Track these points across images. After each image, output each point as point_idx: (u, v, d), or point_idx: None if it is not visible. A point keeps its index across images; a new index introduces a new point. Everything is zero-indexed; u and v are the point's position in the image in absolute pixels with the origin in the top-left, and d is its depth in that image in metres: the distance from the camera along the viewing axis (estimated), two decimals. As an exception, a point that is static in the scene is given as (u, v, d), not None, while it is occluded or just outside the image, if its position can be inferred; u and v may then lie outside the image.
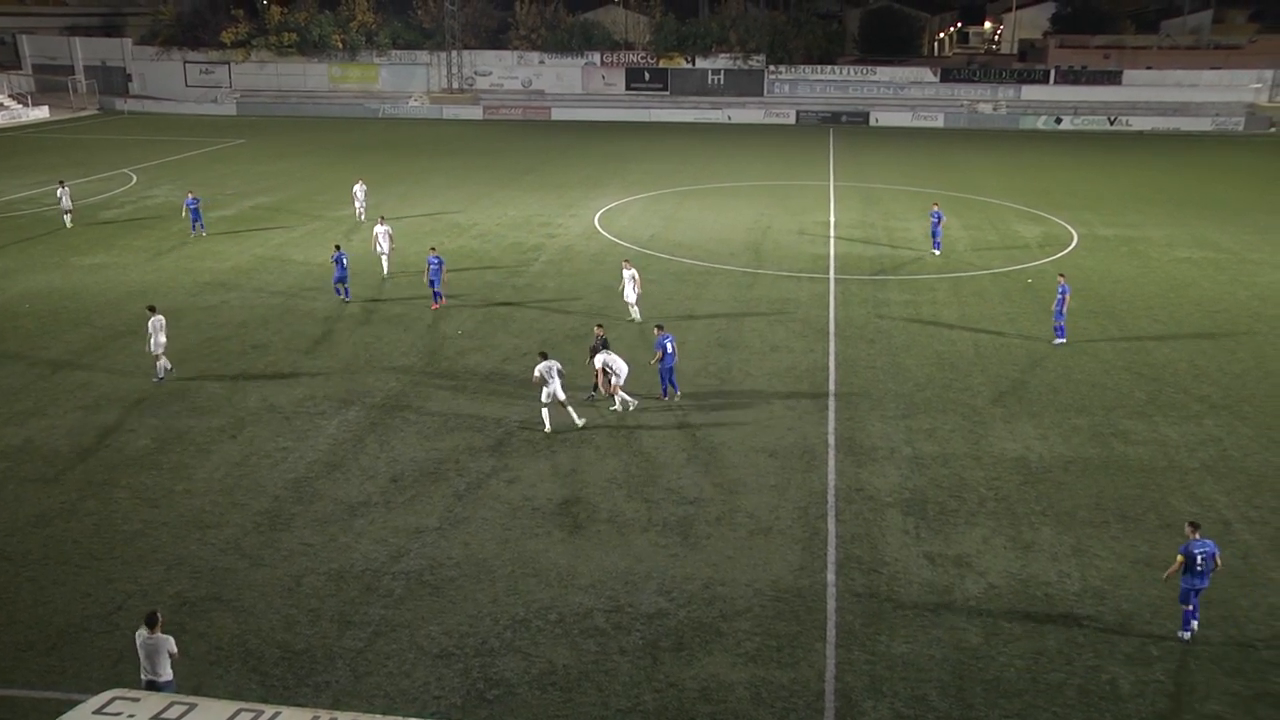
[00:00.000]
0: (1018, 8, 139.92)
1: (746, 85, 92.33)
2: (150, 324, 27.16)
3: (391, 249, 37.03)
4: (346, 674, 15.93)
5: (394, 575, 18.51)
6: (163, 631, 14.15)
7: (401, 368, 28.48)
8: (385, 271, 36.98)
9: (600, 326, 26.95)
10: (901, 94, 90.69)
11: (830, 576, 18.46)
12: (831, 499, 21.24)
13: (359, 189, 47.19)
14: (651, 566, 18.73)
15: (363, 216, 46.70)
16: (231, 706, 10.80)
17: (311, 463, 22.91)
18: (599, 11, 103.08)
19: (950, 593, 17.96)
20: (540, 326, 31.90)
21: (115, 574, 18.71)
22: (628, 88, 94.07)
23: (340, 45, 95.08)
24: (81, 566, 18.99)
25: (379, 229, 36.89)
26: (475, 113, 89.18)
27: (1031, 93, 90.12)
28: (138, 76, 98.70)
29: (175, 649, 14.27)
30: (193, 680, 15.44)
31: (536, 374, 24.18)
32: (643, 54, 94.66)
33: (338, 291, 34.50)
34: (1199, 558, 16.28)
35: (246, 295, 35.16)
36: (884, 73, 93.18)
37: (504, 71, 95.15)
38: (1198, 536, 16.54)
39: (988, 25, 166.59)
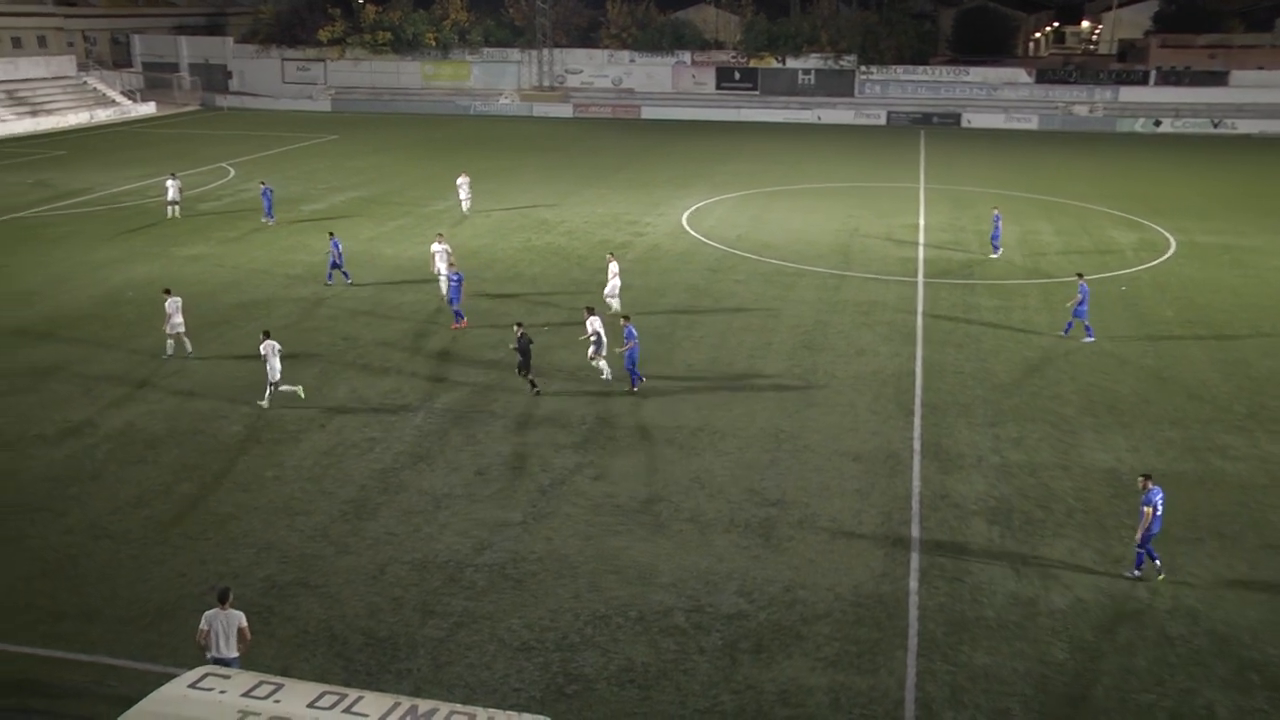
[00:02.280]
0: (1118, 6, 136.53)
1: (837, 85, 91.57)
2: (167, 305, 28.77)
3: (451, 266, 33.98)
4: (427, 663, 16.23)
5: (477, 567, 18.79)
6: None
7: (488, 362, 28.84)
8: (444, 292, 33.35)
9: (520, 324, 26.84)
10: (994, 95, 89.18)
11: (912, 584, 18.30)
12: (915, 505, 21.05)
13: (463, 182, 47.91)
14: (732, 567, 18.76)
15: (466, 209, 47.65)
16: (317, 688, 11.08)
17: (398, 454, 23.35)
18: (690, 10, 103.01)
19: (1035, 605, 17.69)
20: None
21: (208, 555, 19.31)
22: (718, 87, 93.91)
23: (433, 43, 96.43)
24: (177, 547, 19.62)
25: (436, 247, 35.02)
26: (565, 111, 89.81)
27: (1130, 94, 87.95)
28: (237, 74, 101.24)
29: (245, 624, 14.53)
30: (280, 661, 15.88)
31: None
32: (733, 53, 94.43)
33: (344, 276, 36.17)
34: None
35: (338, 288, 35.90)
36: (977, 73, 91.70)
37: (594, 70, 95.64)
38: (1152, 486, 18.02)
39: (1085, 25, 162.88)
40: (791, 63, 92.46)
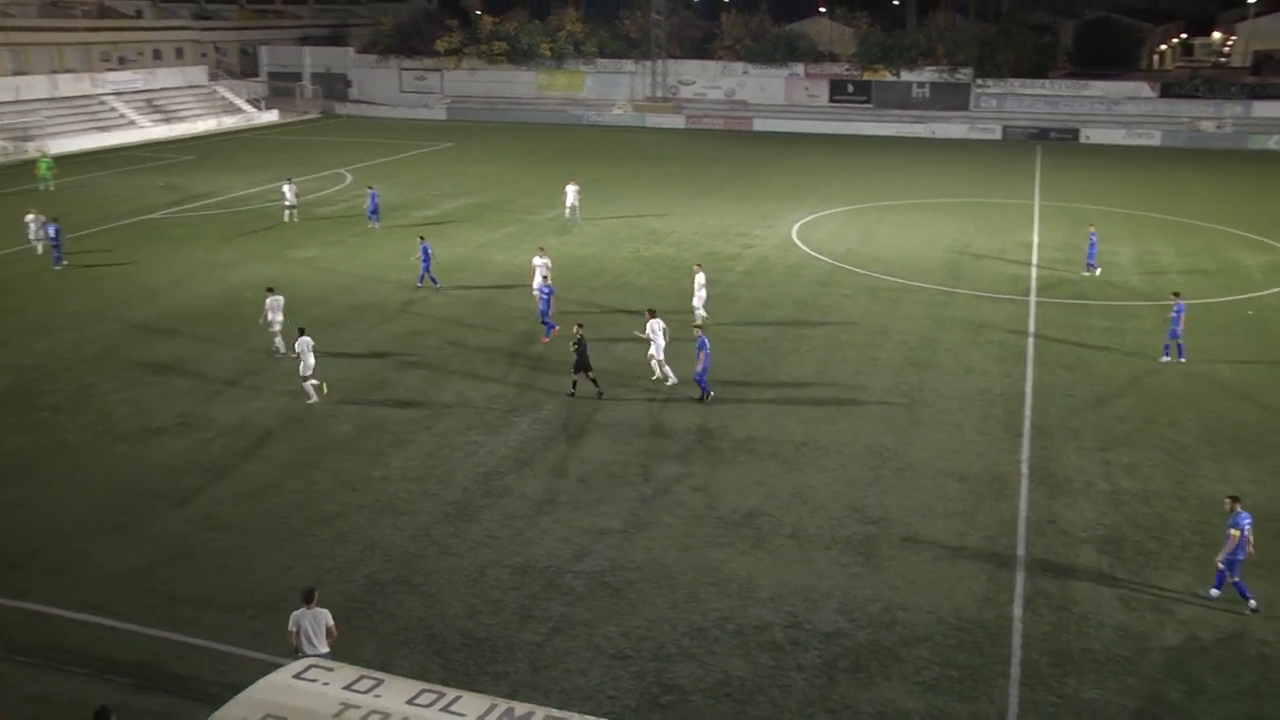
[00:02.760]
0: (1255, 16, 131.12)
1: (951, 99, 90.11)
2: (268, 303, 29.94)
3: (544, 280, 33.44)
4: (524, 666, 16.41)
5: (576, 574, 18.94)
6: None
7: (595, 370, 29.00)
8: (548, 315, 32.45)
9: (580, 325, 27.46)
10: (1115, 110, 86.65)
11: (1017, 610, 17.89)
12: (1021, 530, 20.58)
13: (571, 190, 48.43)
14: (832, 585, 18.58)
15: (573, 216, 48.25)
16: (415, 686, 11.25)
17: (502, 458, 23.67)
18: (804, 22, 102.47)
19: (1147, 640, 17.12)
20: (731, 336, 32.00)
21: (315, 550, 19.84)
22: (830, 100, 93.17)
23: (548, 53, 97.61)
24: (285, 541, 20.21)
25: (537, 260, 34.34)
26: (677, 121, 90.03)
27: (1265, 109, 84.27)
28: (357, 83, 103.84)
29: (332, 621, 14.89)
30: (380, 657, 16.21)
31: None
32: (846, 66, 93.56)
33: (432, 281, 36.91)
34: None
35: (447, 293, 36.57)
36: (1098, 87, 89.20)
37: (707, 81, 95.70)
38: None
39: (1216, 36, 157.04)
40: (906, 75, 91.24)
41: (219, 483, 22.61)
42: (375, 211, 47.47)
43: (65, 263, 40.25)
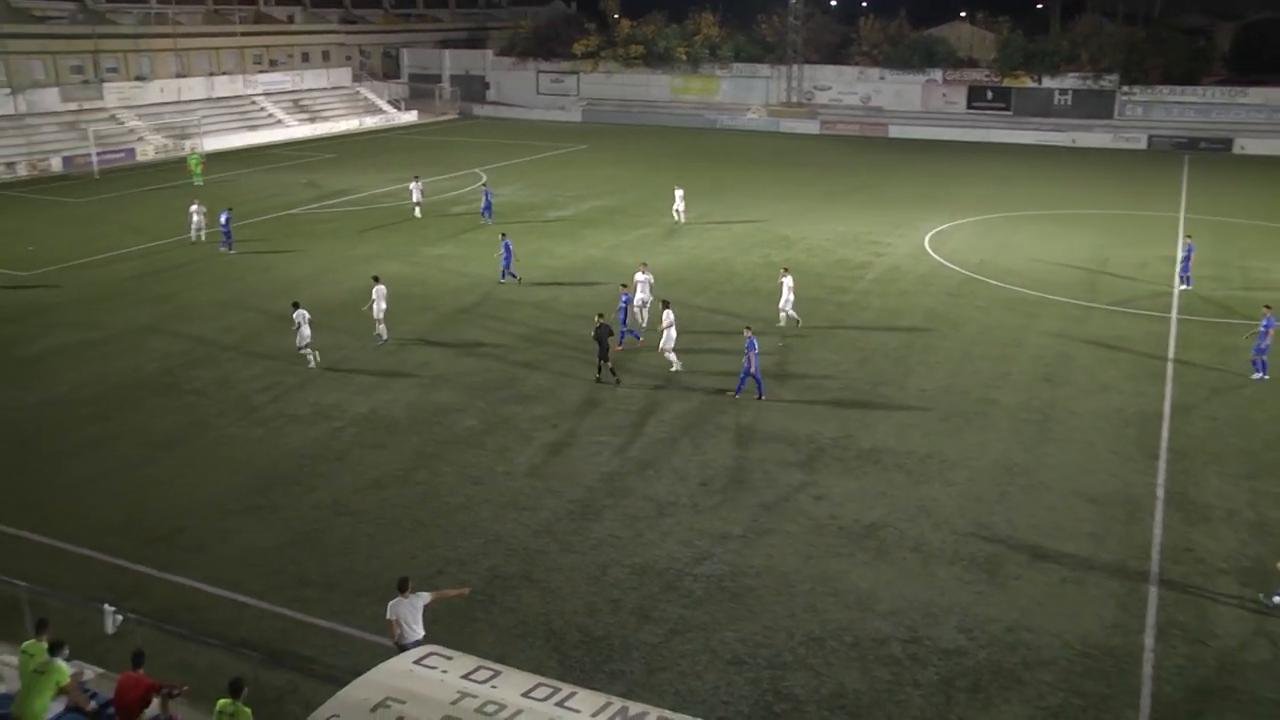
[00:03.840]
0: None
1: (1095, 106, 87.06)
2: (374, 292, 31.22)
3: (650, 300, 32.83)
4: (640, 666, 16.47)
5: (695, 577, 18.94)
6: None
7: (721, 374, 29.01)
8: (644, 322, 32.71)
9: (600, 315, 28.97)
10: (1276, 118, 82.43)
11: (1148, 640, 17.22)
12: (1155, 556, 19.79)
13: (678, 194, 48.63)
14: (954, 601, 18.18)
15: (682, 219, 48.35)
16: (532, 679, 11.37)
17: (625, 459, 23.82)
18: (944, 27, 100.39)
19: (1292, 678, 16.28)
20: (860, 344, 31.62)
21: (437, 541, 20.28)
22: (968, 106, 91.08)
23: (684, 57, 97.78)
24: (409, 530, 20.72)
25: (640, 276, 33.16)
26: (812, 127, 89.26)
27: None
28: (494, 84, 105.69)
29: (430, 598, 15.51)
30: (498, 649, 16.46)
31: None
32: (986, 71, 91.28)
33: (513, 276, 37.66)
34: None
35: (577, 293, 36.95)
36: (1256, 94, 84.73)
37: (843, 86, 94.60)
38: None
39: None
40: (1047, 82, 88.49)
41: (348, 471, 23.30)
42: (489, 208, 48.88)
43: (233, 250, 42.89)
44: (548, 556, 19.71)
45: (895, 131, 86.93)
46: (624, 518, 21.13)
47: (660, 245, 44.52)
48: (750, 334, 27.23)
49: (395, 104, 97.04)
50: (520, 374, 29.19)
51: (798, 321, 33.09)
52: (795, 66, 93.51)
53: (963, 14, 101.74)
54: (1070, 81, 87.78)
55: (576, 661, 16.56)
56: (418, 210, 50.07)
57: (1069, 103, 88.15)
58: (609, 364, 28.44)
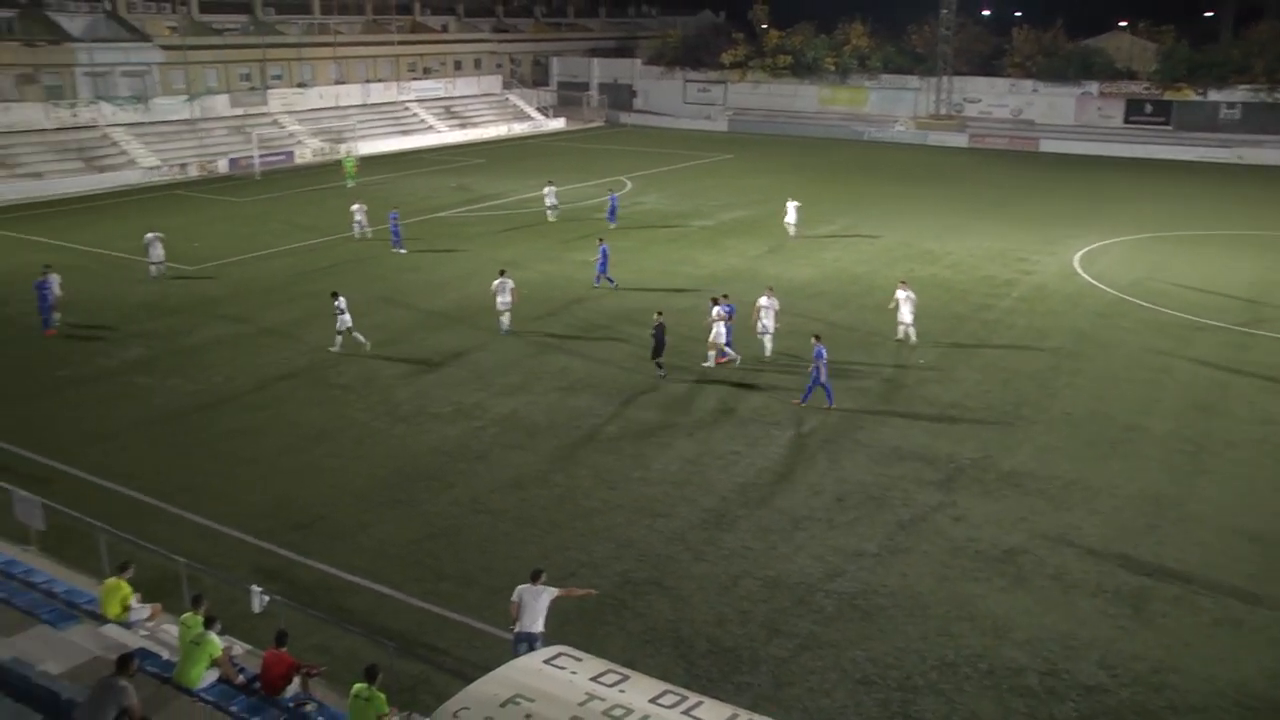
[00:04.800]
0: None
1: (1267, 121, 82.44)
2: (494, 285, 32.91)
3: (777, 328, 31.28)
4: (768, 680, 16.35)
5: (827, 593, 18.72)
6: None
7: (859, 389, 28.66)
8: (767, 352, 31.13)
9: (660, 313, 29.71)
10: None
11: (1312, 688, 16.28)
12: (1322, 599, 18.72)
13: (791, 206, 48.18)
14: (1095, 635, 17.52)
15: (792, 232, 47.90)
16: (659, 685, 11.37)
17: (761, 470, 23.70)
18: (1102, 37, 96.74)
19: None
20: (1003, 364, 30.80)
21: (571, 543, 20.51)
22: (1125, 120, 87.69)
23: (832, 68, 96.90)
24: (544, 531, 21.02)
25: (764, 301, 31.22)
26: (960, 140, 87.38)
27: None
28: (642, 93, 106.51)
29: (558, 593, 15.72)
30: (626, 654, 16.51)
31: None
32: (1145, 84, 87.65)
33: (609, 281, 38.30)
34: None
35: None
36: None
37: (994, 99, 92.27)
38: None
39: None
40: (1214, 95, 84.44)
41: (487, 470, 23.77)
42: (613, 213, 49.76)
43: (404, 250, 44.54)
44: (679, 564, 19.74)
45: (1047, 146, 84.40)
46: (757, 529, 21.02)
47: (802, 257, 44.19)
48: (819, 343, 27.11)
49: (543, 111, 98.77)
50: (659, 381, 29.31)
51: (913, 341, 32.10)
52: (945, 78, 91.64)
53: (1123, 24, 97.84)
54: (1240, 94, 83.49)
55: (704, 671, 16.53)
56: (550, 214, 51.03)
57: (1237, 117, 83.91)
58: (661, 359, 29.24)
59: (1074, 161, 77.43)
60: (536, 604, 15.51)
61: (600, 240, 39.93)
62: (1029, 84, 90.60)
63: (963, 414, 27.03)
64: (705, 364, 30.20)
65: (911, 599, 18.53)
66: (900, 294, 32.38)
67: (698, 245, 46.45)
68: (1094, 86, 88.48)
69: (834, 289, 39.01)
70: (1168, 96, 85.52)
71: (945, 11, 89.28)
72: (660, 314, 29.84)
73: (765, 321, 30.87)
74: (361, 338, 31.52)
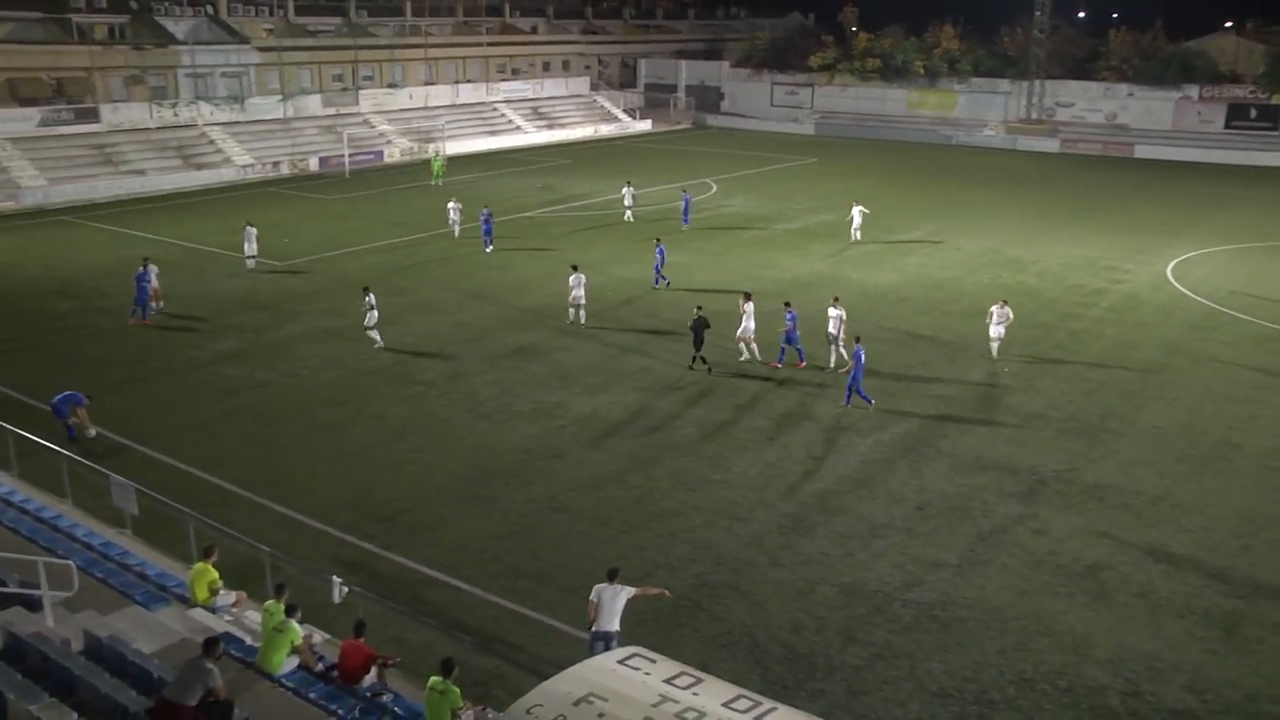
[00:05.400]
0: None
1: (1381, 130, 79.36)
2: (571, 280, 34.02)
3: (843, 337, 30.26)
4: (842, 688, 16.22)
5: (904, 602, 18.51)
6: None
7: (942, 397, 28.30)
8: (831, 362, 30.40)
9: (699, 308, 30.52)
10: None
11: None
12: None
13: (857, 210, 47.71)
14: (1182, 657, 17.04)
15: (858, 236, 47.49)
16: (733, 690, 11.33)
17: (840, 476, 23.52)
18: (1205, 39, 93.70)
19: None
20: (1089, 375, 30.15)
21: (648, 544, 20.55)
22: (1226, 126, 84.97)
23: (922, 71, 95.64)
24: (621, 531, 21.09)
25: (833, 311, 30.47)
26: (1051, 145, 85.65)
27: None
28: (729, 95, 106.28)
29: (634, 593, 15.80)
30: (700, 657, 16.50)
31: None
32: (1250, 88, 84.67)
33: (663, 279, 38.99)
34: None
35: (801, 307, 36.53)
36: None
37: (1087, 103, 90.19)
38: None
39: None
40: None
41: (566, 469, 23.94)
42: (686, 214, 50.05)
43: (491, 248, 45.16)
44: (756, 569, 19.68)
45: (1141, 151, 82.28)
46: (835, 536, 20.87)
47: (887, 261, 43.74)
48: (859, 344, 27.32)
49: (630, 113, 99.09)
50: (739, 384, 29.27)
51: (996, 358, 31.07)
52: (1037, 81, 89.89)
53: (1228, 24, 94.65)
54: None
55: (778, 676, 16.46)
56: (628, 214, 51.48)
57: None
58: (701, 354, 29.95)
59: (1170, 168, 75.42)
60: (614, 604, 15.60)
61: (657, 240, 40.25)
62: (1124, 88, 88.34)
63: (1046, 425, 26.53)
64: (742, 358, 30.65)
65: (990, 612, 18.24)
66: (995, 310, 31.25)
67: (782, 249, 46.24)
68: (1194, 90, 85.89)
69: (917, 295, 38.55)
70: (1276, 100, 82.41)
71: (1039, 14, 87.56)
72: (700, 308, 30.45)
73: (833, 330, 30.34)
74: (377, 336, 32.05)
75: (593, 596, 15.71)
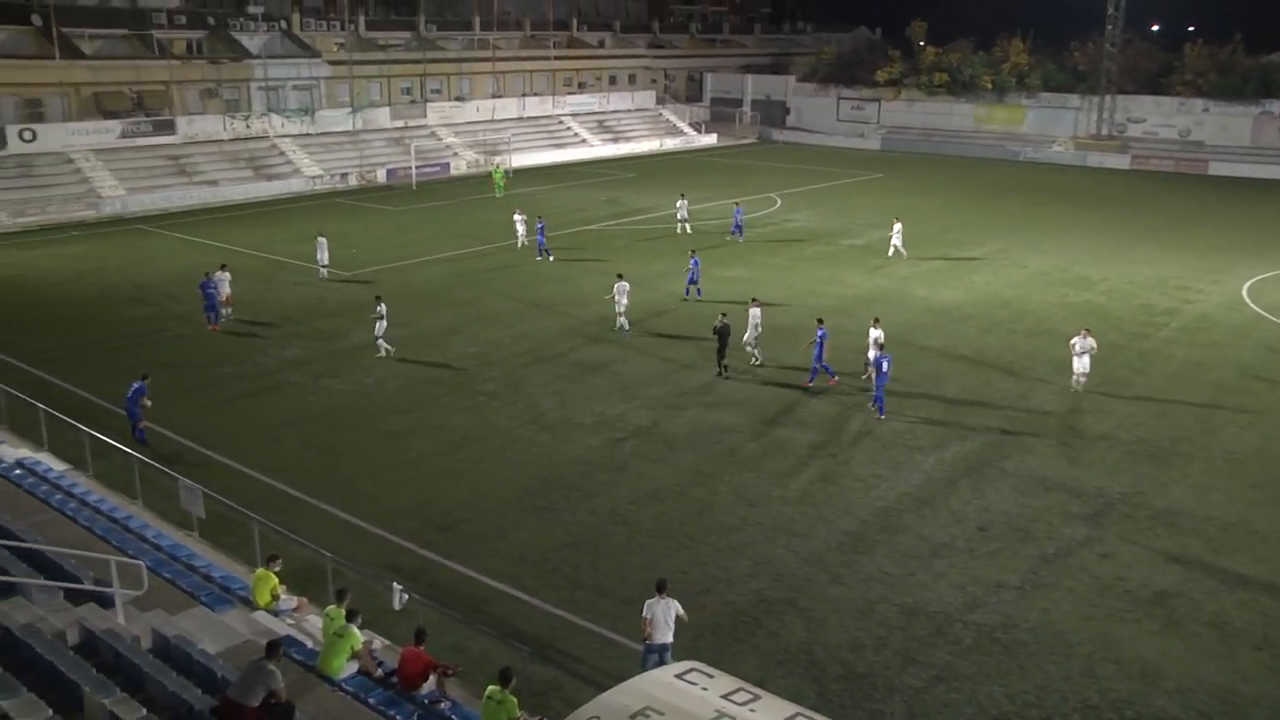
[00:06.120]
0: None
1: None
2: (616, 288, 34.98)
3: (881, 352, 29.25)
4: (901, 710, 16.03)
5: (966, 624, 18.25)
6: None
7: (1006, 416, 27.92)
8: (867, 375, 29.91)
9: (724, 314, 31.09)
10: None
11: None
12: None
13: (897, 227, 47.29)
14: (1260, 692, 16.53)
15: (901, 252, 46.96)
16: (791, 707, 11.25)
17: (902, 495, 23.27)
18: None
19: None
20: (1160, 397, 29.55)
21: (707, 559, 20.48)
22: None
23: (989, 86, 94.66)
24: (681, 545, 21.05)
25: (874, 332, 30.00)
26: (1121, 162, 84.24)
27: None
28: (794, 110, 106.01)
29: (683, 611, 15.93)
30: (758, 673, 16.44)
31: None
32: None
33: (696, 292, 39.40)
34: None
35: (862, 323, 36.29)
36: None
37: (1160, 119, 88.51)
38: None
39: None
40: None
41: (626, 481, 23.95)
42: (739, 228, 50.23)
43: (550, 259, 45.90)
44: (815, 586, 19.53)
45: (1217, 169, 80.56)
46: (896, 555, 20.64)
47: (952, 278, 43.29)
48: (883, 353, 28.18)
49: (696, 127, 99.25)
50: (801, 399, 29.12)
51: (1078, 391, 29.79)
52: (1108, 96, 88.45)
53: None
54: None
55: (835, 695, 16.31)
56: (682, 227, 51.65)
57: None
58: (725, 360, 30.66)
59: (1247, 185, 73.77)
60: (667, 616, 15.70)
61: (692, 253, 40.60)
62: (1199, 103, 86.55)
63: (1114, 446, 26.03)
64: (754, 362, 31.68)
65: (1054, 636, 17.91)
66: (1077, 341, 29.77)
67: (846, 264, 45.95)
68: (1275, 105, 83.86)
69: (982, 313, 38.07)
70: (1362, 116, 79.95)
71: (1111, 27, 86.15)
72: (724, 315, 30.98)
73: (874, 353, 29.48)
74: (385, 344, 32.65)
75: (646, 614, 15.81)
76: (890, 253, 47.08)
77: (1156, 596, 19.22)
